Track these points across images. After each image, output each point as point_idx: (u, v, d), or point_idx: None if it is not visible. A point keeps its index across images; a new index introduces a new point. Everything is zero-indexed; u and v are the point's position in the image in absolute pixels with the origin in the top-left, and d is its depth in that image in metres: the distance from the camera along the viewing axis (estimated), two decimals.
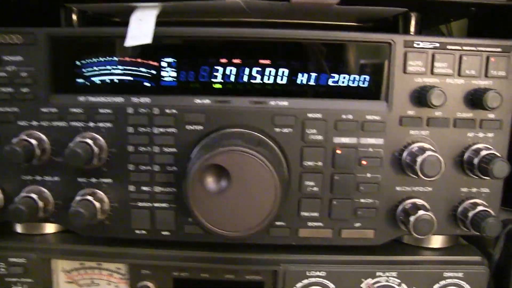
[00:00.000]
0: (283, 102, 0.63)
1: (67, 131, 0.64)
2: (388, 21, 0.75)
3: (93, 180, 0.65)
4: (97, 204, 0.63)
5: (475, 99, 0.62)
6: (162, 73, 0.63)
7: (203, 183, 0.57)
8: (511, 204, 0.75)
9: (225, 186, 0.57)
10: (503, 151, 0.64)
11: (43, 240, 0.70)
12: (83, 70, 0.64)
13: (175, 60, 0.63)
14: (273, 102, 0.63)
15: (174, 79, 0.64)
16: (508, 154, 0.65)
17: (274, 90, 0.64)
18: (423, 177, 0.61)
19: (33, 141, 0.62)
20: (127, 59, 0.63)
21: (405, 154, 0.64)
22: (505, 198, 0.67)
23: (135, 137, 0.64)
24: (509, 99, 0.63)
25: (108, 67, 0.64)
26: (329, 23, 0.80)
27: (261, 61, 0.63)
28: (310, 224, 0.66)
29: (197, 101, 0.63)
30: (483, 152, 0.62)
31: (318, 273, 0.66)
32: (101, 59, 0.64)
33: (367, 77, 0.64)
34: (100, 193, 0.65)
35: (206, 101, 0.63)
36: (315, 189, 0.65)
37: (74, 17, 0.69)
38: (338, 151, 0.64)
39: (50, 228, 0.71)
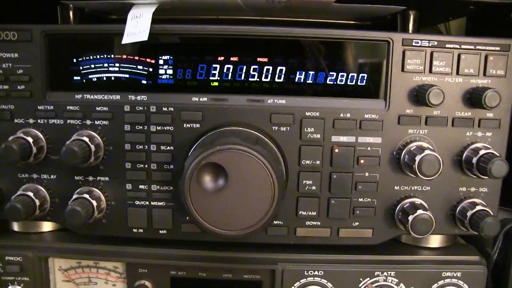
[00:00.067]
0: (281, 101, 0.63)
1: (63, 129, 0.64)
2: (386, 19, 0.74)
3: (90, 178, 0.65)
4: (94, 203, 0.63)
5: (473, 98, 0.62)
6: (159, 71, 0.63)
7: (200, 182, 0.56)
8: (509, 204, 0.75)
9: (222, 184, 0.56)
10: (501, 150, 0.64)
11: (40, 239, 0.70)
12: (80, 67, 0.64)
13: (172, 57, 0.63)
14: (270, 100, 0.63)
15: (171, 77, 0.63)
16: (507, 154, 0.65)
17: (272, 88, 0.64)
18: (422, 177, 0.60)
19: (30, 139, 0.62)
20: (124, 56, 0.63)
21: (403, 153, 0.63)
22: (504, 197, 0.67)
23: (132, 135, 0.63)
24: (508, 98, 0.63)
25: (105, 64, 0.63)
26: (327, 21, 0.79)
27: (259, 59, 0.63)
28: (308, 223, 0.66)
29: (194, 99, 0.63)
30: (482, 152, 0.61)
31: (316, 273, 0.66)
32: (97, 56, 0.63)
33: (365, 76, 0.63)
34: (97, 191, 0.65)
35: (203, 99, 0.63)
36: (313, 188, 0.64)
37: (71, 14, 0.69)
38: (336, 150, 0.64)
39: (47, 226, 0.71)
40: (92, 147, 0.61)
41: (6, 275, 0.67)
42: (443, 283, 0.66)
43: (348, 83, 0.64)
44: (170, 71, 0.63)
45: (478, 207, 0.63)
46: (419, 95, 0.62)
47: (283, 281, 0.66)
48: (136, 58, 0.63)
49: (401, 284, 0.66)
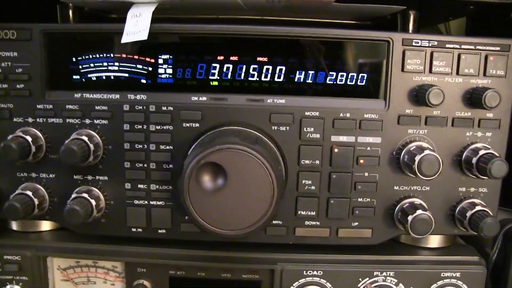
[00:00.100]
0: (280, 100, 0.63)
1: (62, 128, 0.64)
2: (386, 19, 0.74)
3: (89, 177, 0.65)
4: (93, 202, 0.63)
5: (473, 98, 0.62)
6: (159, 70, 0.63)
7: (200, 181, 0.56)
8: (509, 204, 0.75)
9: (221, 184, 0.56)
10: (501, 150, 0.64)
11: (38, 238, 0.70)
12: (79, 66, 0.64)
13: (171, 57, 0.63)
14: (270, 100, 0.63)
15: (171, 76, 0.63)
16: (507, 154, 0.64)
17: (271, 88, 0.63)
18: (421, 177, 0.60)
19: (29, 138, 0.62)
20: (124, 55, 0.63)
21: (403, 153, 0.63)
22: (504, 198, 0.67)
23: (131, 134, 0.63)
24: (508, 98, 0.63)
25: (104, 63, 0.63)
26: (327, 21, 0.79)
27: (258, 59, 0.63)
28: (307, 223, 0.66)
29: (194, 98, 0.63)
30: (482, 152, 0.61)
31: (315, 273, 0.66)
32: (97, 55, 0.63)
33: (365, 76, 0.63)
34: (96, 190, 0.65)
35: (203, 98, 0.63)
36: (312, 187, 0.64)
37: (71, 13, 0.69)
38: (336, 150, 0.63)
39: (45, 225, 0.71)
40: (91, 146, 0.61)
41: (5, 274, 0.67)
42: (443, 283, 0.66)
43: (348, 83, 0.63)
44: (169, 71, 0.63)
45: (478, 208, 0.63)
46: (419, 95, 0.62)
47: (282, 281, 0.66)
48: (136, 57, 0.63)
49: (400, 284, 0.66)
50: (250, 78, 0.63)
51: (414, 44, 0.62)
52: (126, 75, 0.63)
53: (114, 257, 0.68)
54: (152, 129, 0.63)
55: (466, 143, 0.64)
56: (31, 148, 0.62)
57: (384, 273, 0.66)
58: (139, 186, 0.65)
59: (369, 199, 0.65)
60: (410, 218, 0.61)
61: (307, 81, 0.63)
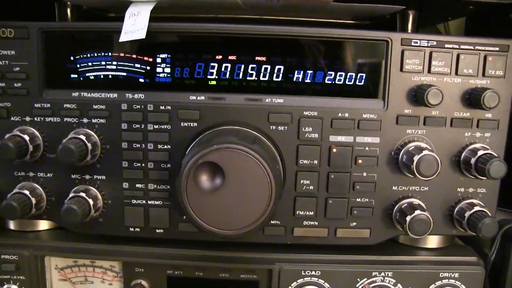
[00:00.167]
0: (279, 100, 0.63)
1: (60, 127, 0.63)
2: (385, 19, 0.74)
3: (87, 176, 0.65)
4: (91, 201, 0.63)
5: (472, 98, 0.62)
6: (157, 69, 0.63)
7: (197, 181, 0.56)
8: (508, 205, 0.75)
9: (219, 184, 0.56)
10: (500, 151, 0.64)
11: (36, 237, 0.70)
12: (77, 65, 0.63)
13: (169, 56, 0.62)
14: (268, 100, 0.63)
15: (169, 75, 0.63)
16: (505, 154, 0.64)
17: (270, 88, 0.63)
18: (420, 177, 0.60)
19: (26, 137, 0.61)
20: (122, 54, 0.63)
21: (401, 153, 0.63)
22: (502, 198, 0.67)
23: (129, 134, 0.63)
24: (507, 98, 0.63)
25: (102, 62, 0.63)
26: (325, 21, 0.79)
27: (257, 58, 0.63)
28: (305, 223, 0.65)
29: (192, 97, 0.63)
30: (480, 152, 0.61)
31: (313, 273, 0.66)
32: (95, 54, 0.63)
33: (364, 75, 0.63)
34: (94, 190, 0.65)
35: (201, 97, 0.63)
36: (311, 187, 0.64)
37: (69, 11, 0.69)
38: (334, 150, 0.63)
39: (43, 225, 0.71)
40: (89, 145, 0.61)
41: (2, 273, 0.66)
42: (441, 284, 0.66)
43: (347, 82, 0.63)
44: (167, 70, 0.63)
45: (476, 208, 0.63)
46: (417, 95, 0.62)
47: (280, 281, 0.66)
48: (134, 56, 0.63)
49: (399, 285, 0.66)
50: (248, 78, 0.63)
51: (413, 44, 0.62)
52: (124, 74, 0.63)
53: (112, 257, 0.67)
54: (150, 128, 0.63)
55: (465, 143, 0.64)
56: (29, 147, 0.61)
57: (383, 273, 0.66)
58: (137, 185, 0.65)
59: (367, 199, 0.65)
60: (408, 218, 0.61)
61: (305, 81, 0.63)
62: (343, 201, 0.65)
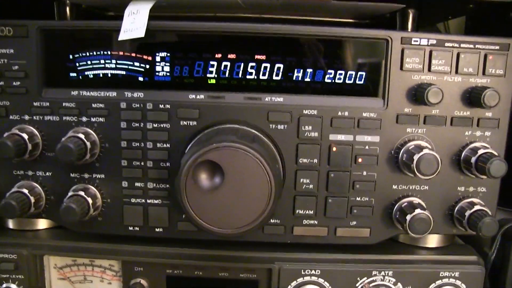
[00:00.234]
0: (278, 98, 0.63)
1: (59, 125, 0.63)
2: (385, 17, 0.74)
3: (86, 175, 0.65)
4: (90, 200, 0.63)
5: (472, 97, 0.62)
6: (156, 68, 0.63)
7: (197, 180, 0.56)
8: (508, 204, 0.75)
9: (219, 182, 0.56)
10: (500, 150, 0.64)
11: (35, 236, 0.69)
12: (76, 64, 0.63)
13: (169, 54, 0.62)
14: (268, 98, 0.63)
15: (168, 74, 0.63)
16: (506, 153, 0.64)
17: (269, 86, 0.63)
18: (420, 176, 0.60)
19: (25, 136, 0.61)
20: (121, 53, 0.63)
21: (401, 152, 0.63)
22: (502, 197, 0.67)
23: (128, 132, 0.63)
24: (507, 97, 0.63)
25: (101, 61, 0.63)
26: (325, 19, 0.79)
27: (257, 57, 0.62)
28: (305, 222, 0.65)
29: (191, 96, 0.63)
30: (481, 151, 0.61)
31: (313, 272, 0.66)
32: (94, 53, 0.63)
33: (364, 74, 0.63)
34: (93, 188, 0.65)
35: (200, 96, 0.63)
36: (310, 186, 0.64)
37: (68, 10, 0.69)
38: (334, 149, 0.63)
39: (42, 224, 0.71)
40: (88, 144, 0.61)
41: (1, 272, 0.66)
42: (441, 283, 0.66)
43: (347, 81, 0.63)
44: (167, 68, 0.63)
45: (477, 207, 0.63)
46: (417, 94, 0.61)
47: (279, 280, 0.65)
48: (133, 55, 0.63)
49: (399, 284, 0.66)
50: (248, 76, 0.63)
51: (413, 42, 0.62)
52: (123, 72, 0.63)
53: (111, 256, 0.67)
54: (149, 127, 0.63)
55: (465, 142, 0.64)
56: (27, 146, 0.61)
57: (383, 273, 0.66)
58: (136, 184, 0.64)
59: (367, 198, 0.65)
60: (408, 217, 0.61)
61: (305, 80, 0.63)
62: (343, 200, 0.65)
